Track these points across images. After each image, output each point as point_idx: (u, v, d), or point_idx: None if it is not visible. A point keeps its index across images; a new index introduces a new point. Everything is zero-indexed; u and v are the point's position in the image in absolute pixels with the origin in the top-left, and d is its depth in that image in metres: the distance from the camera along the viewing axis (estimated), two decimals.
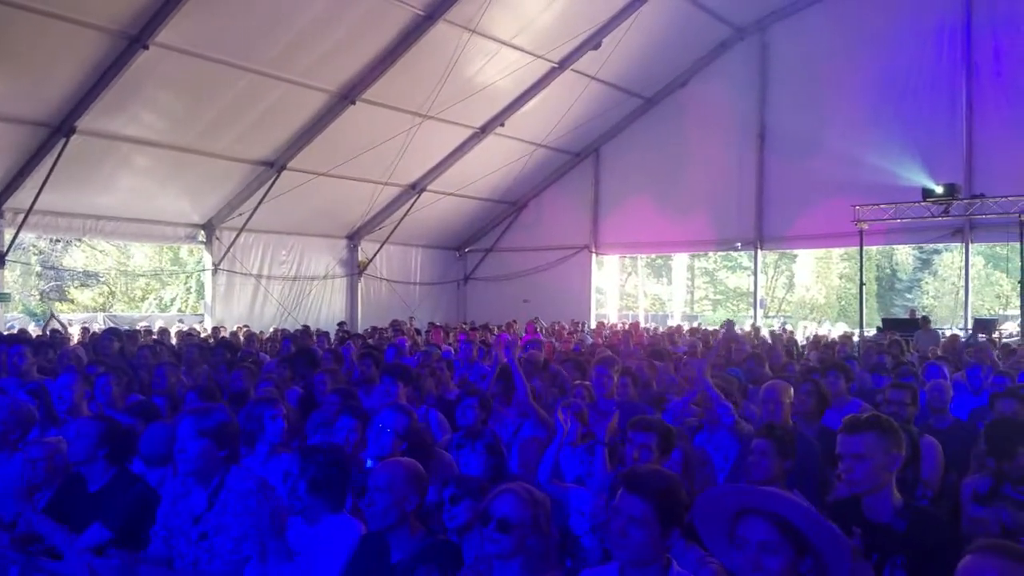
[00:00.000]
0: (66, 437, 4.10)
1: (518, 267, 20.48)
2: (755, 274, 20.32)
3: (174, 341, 11.69)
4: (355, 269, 18.76)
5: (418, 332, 15.14)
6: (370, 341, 11.53)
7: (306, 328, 13.37)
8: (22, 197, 12.61)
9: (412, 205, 18.07)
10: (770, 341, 12.63)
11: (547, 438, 5.16)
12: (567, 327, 16.29)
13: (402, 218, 18.18)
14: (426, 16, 13.32)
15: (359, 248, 18.79)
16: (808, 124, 17.09)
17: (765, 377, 6.45)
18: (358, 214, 17.98)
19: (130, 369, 7.11)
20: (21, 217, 12.84)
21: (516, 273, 20.44)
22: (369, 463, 4.05)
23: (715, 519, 2.24)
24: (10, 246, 13.14)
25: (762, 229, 18.31)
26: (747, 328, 17.06)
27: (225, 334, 13.37)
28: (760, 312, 20.27)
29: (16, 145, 12.02)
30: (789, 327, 19.80)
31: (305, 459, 3.52)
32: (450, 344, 12.00)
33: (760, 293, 20.68)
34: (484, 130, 17.09)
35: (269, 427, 4.50)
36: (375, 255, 18.95)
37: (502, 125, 17.06)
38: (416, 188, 17.90)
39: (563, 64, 16.22)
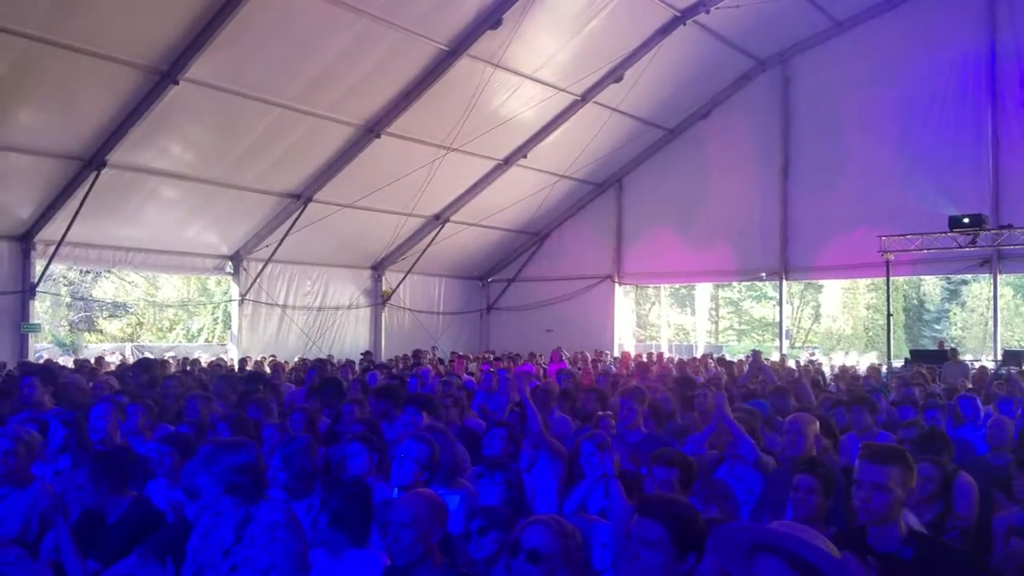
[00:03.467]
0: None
1: (541, 297, 20.51)
2: (780, 304, 20.19)
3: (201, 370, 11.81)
4: (379, 299, 18.89)
5: (440, 361, 15.16)
6: (394, 371, 11.56)
7: (328, 358, 13.46)
8: (53, 229, 12.87)
9: (435, 236, 18.21)
10: (797, 373, 12.50)
11: (563, 471, 5.13)
12: (590, 357, 16.23)
13: (425, 248, 18.32)
14: (450, 51, 13.53)
15: (383, 278, 18.92)
16: (832, 154, 17.07)
17: (791, 410, 6.39)
18: (382, 245, 18.14)
19: (159, 399, 7.20)
20: (52, 249, 13.10)
21: (539, 303, 20.46)
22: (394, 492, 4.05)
23: (732, 554, 2.22)
24: (41, 277, 13.38)
25: (787, 259, 18.22)
26: (775, 359, 16.91)
27: (251, 364, 13.49)
28: (786, 343, 20.07)
29: (48, 178, 12.30)
30: (816, 358, 19.56)
31: (327, 492, 3.54)
32: (471, 374, 12.00)
33: (786, 323, 20.49)
34: (507, 162, 17.24)
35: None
36: (399, 285, 19.07)
37: (525, 157, 17.20)
38: (440, 219, 18.05)
39: (586, 97, 16.36)
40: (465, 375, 11.26)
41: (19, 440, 4.34)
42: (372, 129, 14.39)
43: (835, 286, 31.96)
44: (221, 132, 13.13)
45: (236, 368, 12.69)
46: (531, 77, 15.09)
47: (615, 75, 16.02)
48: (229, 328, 16.88)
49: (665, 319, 33.87)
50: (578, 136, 17.30)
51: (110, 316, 27.03)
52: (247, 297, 16.30)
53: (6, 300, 12.99)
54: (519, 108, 15.63)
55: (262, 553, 3.34)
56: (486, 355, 17.03)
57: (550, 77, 15.37)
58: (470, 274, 21.31)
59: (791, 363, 16.12)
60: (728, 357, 18.23)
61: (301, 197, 15.25)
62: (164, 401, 7.23)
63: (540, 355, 16.25)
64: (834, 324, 34.86)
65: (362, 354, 16.06)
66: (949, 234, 14.95)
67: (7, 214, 12.63)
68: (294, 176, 14.94)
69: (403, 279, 19.07)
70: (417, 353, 15.31)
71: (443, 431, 4.89)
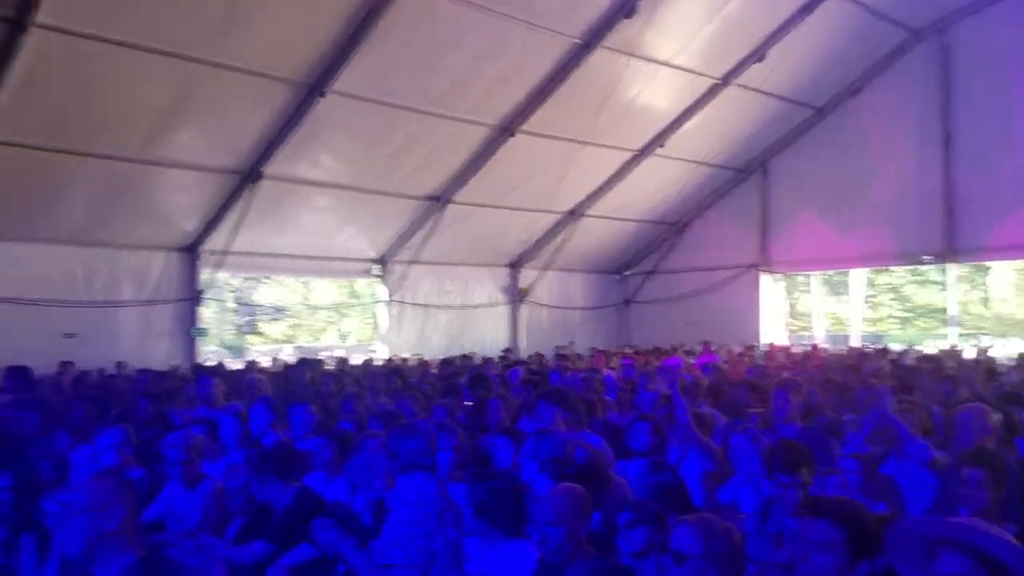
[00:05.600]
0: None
1: (681, 289, 19.99)
2: (947, 289, 18.74)
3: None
4: (516, 296, 19.06)
5: (579, 357, 15.13)
6: (534, 367, 11.64)
7: (469, 355, 13.74)
8: (217, 239, 13.79)
9: (571, 231, 18.16)
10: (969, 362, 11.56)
11: (714, 467, 4.97)
12: (737, 349, 15.69)
13: (561, 244, 18.31)
14: (583, 44, 13.42)
15: (520, 275, 19.08)
16: (999, 127, 15.71)
17: (961, 401, 5.90)
18: (518, 242, 18.29)
19: (317, 397, 7.58)
20: (217, 258, 14.04)
21: (679, 295, 19.96)
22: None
23: (909, 552, 2.05)
24: (207, 285, 14.37)
25: (952, 240, 16.89)
26: (944, 347, 15.75)
27: (398, 362, 13.98)
28: (955, 330, 18.61)
29: (212, 192, 13.18)
30: (986, 345, 17.99)
31: (474, 485, 3.58)
32: (612, 368, 11.89)
33: (954, 309, 19.00)
34: (643, 152, 16.94)
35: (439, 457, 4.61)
36: (535, 282, 19.17)
37: (662, 146, 16.83)
38: (575, 214, 17.99)
39: (726, 79, 15.80)
40: (606, 370, 11.16)
41: (188, 448, 4.75)
42: (507, 128, 14.52)
43: (1006, 267, 29.33)
44: (366, 141, 13.64)
45: (385, 366, 13.16)
46: (668, 63, 14.73)
47: (757, 55, 15.36)
48: (377, 328, 17.53)
49: (818, 308, 32.20)
50: (719, 121, 16.74)
51: (271, 320, 28.80)
52: (393, 298, 16.87)
53: (177, 307, 14.01)
54: (655, 96, 15.31)
55: (405, 532, 3.44)
56: (624, 349, 16.82)
57: (688, 62, 14.95)
58: (607, 268, 21.11)
59: (963, 352, 14.94)
60: (890, 347, 17.08)
61: (440, 199, 15.61)
62: (323, 398, 7.61)
63: (684, 348, 15.86)
64: (1005, 308, 32.00)
65: (503, 351, 16.29)
66: None
67: (175, 227, 13.65)
68: (434, 179, 15.27)
69: (540, 276, 19.14)
70: (559, 350, 15.37)
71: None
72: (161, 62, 10.39)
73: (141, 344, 13.29)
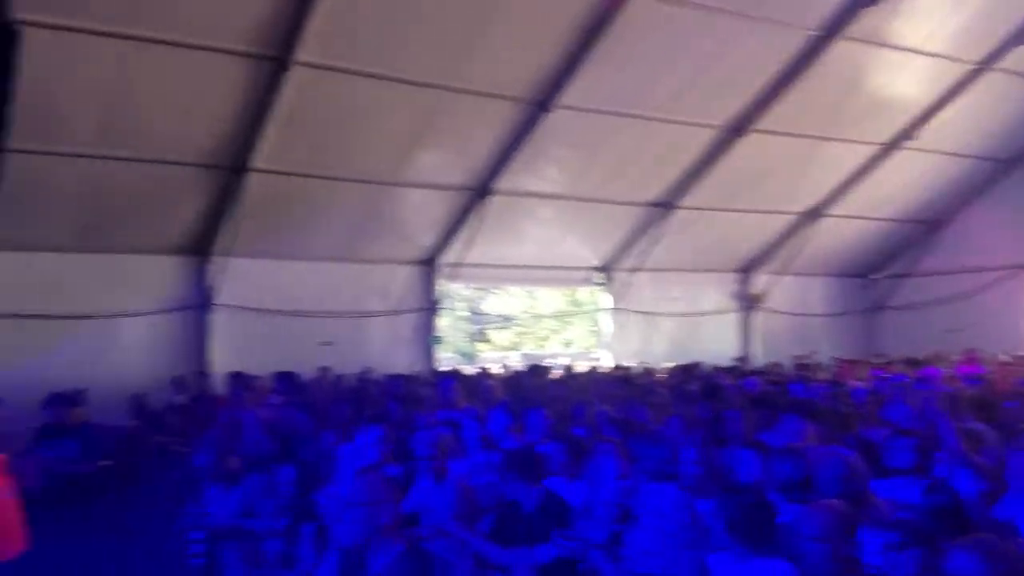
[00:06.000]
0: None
1: (938, 292, 18.13)
2: None
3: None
4: (747, 303, 18.31)
5: (820, 367, 14.24)
6: (772, 377, 11.11)
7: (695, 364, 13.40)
8: (451, 253, 14.57)
9: (809, 232, 17.15)
10: None
11: (989, 487, 4.52)
12: (1005, 359, 13.98)
13: (799, 247, 17.34)
14: (822, 35, 12.64)
15: (751, 281, 18.32)
16: None
17: None
18: (749, 246, 17.56)
19: (550, 402, 7.76)
20: (452, 270, 14.82)
21: (935, 300, 18.09)
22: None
23: None
24: (443, 296, 15.20)
25: None
26: None
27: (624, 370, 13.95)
28: None
29: (447, 209, 13.93)
30: None
31: (725, 499, 3.48)
32: (860, 379, 11.05)
33: None
34: (892, 145, 15.62)
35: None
36: (769, 287, 18.30)
37: (913, 138, 15.43)
38: (814, 214, 16.95)
39: (986, 64, 14.20)
40: (853, 381, 10.40)
41: (437, 445, 5.10)
42: (737, 128, 14.01)
43: None
44: (589, 150, 13.77)
45: (611, 373, 13.20)
46: (918, 50, 13.47)
47: (1022, 36, 13.70)
48: (599, 336, 17.62)
49: None
50: (978, 109, 15.08)
51: (499, 328, 29.95)
52: (617, 306, 16.87)
53: (417, 317, 14.95)
54: (904, 86, 14.07)
55: (647, 537, 3.41)
56: (873, 359, 15.56)
57: (940, 47, 13.59)
58: (850, 271, 19.66)
59: None
60: None
61: (666, 205, 15.40)
62: (553, 403, 7.77)
63: (947, 358, 14.36)
64: None
65: (735, 359, 15.73)
66: None
67: (415, 243, 14.58)
68: (658, 185, 15.07)
69: (774, 280, 18.25)
70: (799, 359, 14.59)
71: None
72: (406, 91, 11.17)
73: (386, 351, 14.30)
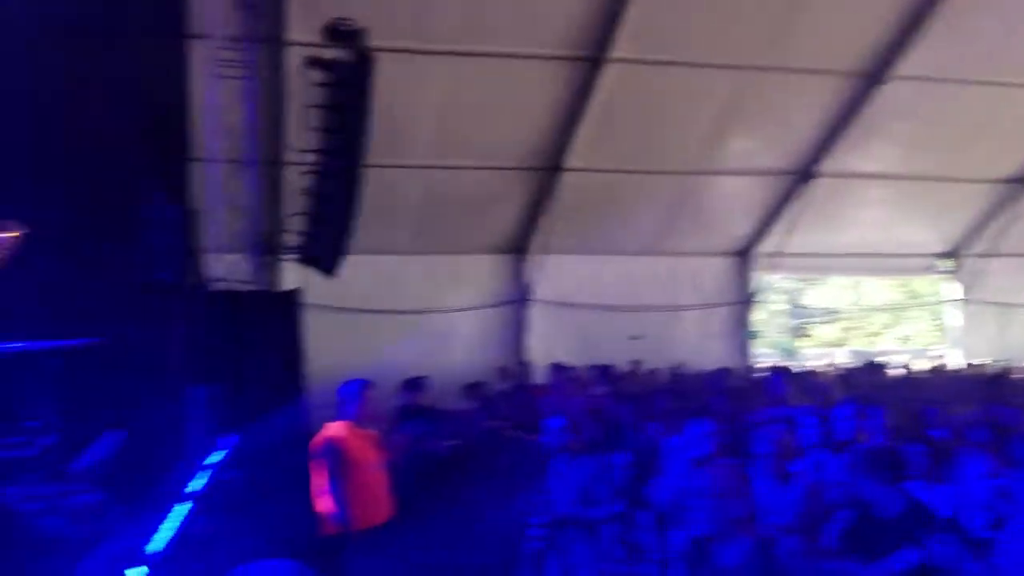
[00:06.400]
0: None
1: None
2: None
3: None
4: None
5: None
6: None
7: None
8: (769, 242, 13.85)
9: None
10: None
11: None
12: None
13: None
14: None
15: None
16: None
17: None
18: None
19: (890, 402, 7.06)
20: (770, 260, 14.10)
21: None
22: None
23: None
24: (759, 288, 14.52)
25: None
26: None
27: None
28: None
29: (764, 195, 13.29)
30: None
31: None
32: None
33: None
34: None
35: None
36: None
37: None
38: None
39: None
40: None
41: (778, 443, 4.82)
42: None
43: None
44: (929, 124, 12.30)
45: (964, 372, 11.68)
46: None
47: None
48: (944, 331, 15.69)
49: None
50: None
51: (822, 323, 27.90)
52: (966, 297, 14.92)
53: (731, 310, 14.44)
54: None
55: None
56: None
57: None
58: None
59: None
60: None
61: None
62: (899, 403, 7.04)
63: None
64: None
65: None
66: None
67: (727, 233, 14.08)
68: (1013, 159, 13.23)
69: None
70: None
71: None
72: (715, 75, 10.90)
73: (698, 346, 13.98)
